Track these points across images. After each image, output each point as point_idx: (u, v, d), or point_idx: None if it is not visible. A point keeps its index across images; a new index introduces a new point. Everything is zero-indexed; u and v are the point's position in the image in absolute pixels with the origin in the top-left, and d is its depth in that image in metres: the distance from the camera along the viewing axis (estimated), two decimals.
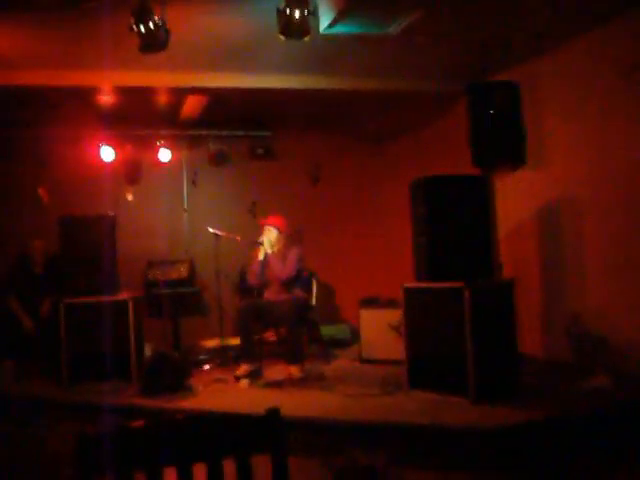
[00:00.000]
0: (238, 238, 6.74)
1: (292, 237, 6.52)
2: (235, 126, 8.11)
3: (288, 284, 6.17)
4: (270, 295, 6.21)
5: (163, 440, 1.74)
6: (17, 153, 7.42)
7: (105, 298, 6.00)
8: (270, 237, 6.18)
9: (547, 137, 5.97)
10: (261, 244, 6.16)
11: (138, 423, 1.75)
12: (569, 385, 4.95)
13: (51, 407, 5.53)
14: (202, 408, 4.99)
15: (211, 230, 6.73)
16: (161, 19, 4.31)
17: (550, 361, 5.75)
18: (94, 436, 1.62)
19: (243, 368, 5.87)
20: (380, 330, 6.42)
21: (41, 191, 7.45)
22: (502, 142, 6.10)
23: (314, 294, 6.61)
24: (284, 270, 6.11)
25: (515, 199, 6.40)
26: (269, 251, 6.15)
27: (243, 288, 7.46)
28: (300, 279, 6.32)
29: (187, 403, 5.16)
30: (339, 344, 7.51)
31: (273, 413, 1.75)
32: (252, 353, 5.99)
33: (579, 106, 5.63)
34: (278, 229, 6.21)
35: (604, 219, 5.41)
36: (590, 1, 4.86)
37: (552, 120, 5.93)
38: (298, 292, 6.24)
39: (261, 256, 6.16)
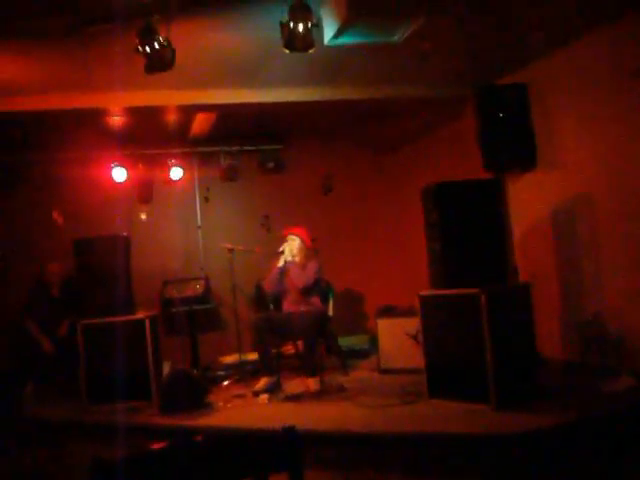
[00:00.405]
0: (257, 250, 6.79)
1: (312, 250, 6.54)
2: (245, 141, 8.14)
3: (306, 294, 6.19)
4: (288, 306, 6.23)
5: (180, 463, 1.72)
6: (30, 177, 7.47)
7: (122, 318, 6.01)
8: (292, 246, 6.26)
9: (558, 138, 5.93)
10: (282, 253, 6.20)
11: (155, 446, 1.73)
12: (590, 387, 4.89)
13: (71, 428, 5.54)
14: (222, 425, 4.98)
15: (225, 245, 6.76)
16: (166, 38, 4.34)
17: (570, 363, 5.68)
18: (108, 460, 1.61)
19: (262, 382, 5.87)
20: (398, 339, 6.38)
21: (55, 214, 7.50)
22: (512, 144, 6.10)
23: (331, 305, 6.61)
24: (303, 278, 6.13)
25: (528, 202, 6.35)
26: (289, 259, 6.19)
27: (259, 302, 7.47)
28: (318, 289, 6.33)
29: (207, 420, 5.15)
30: (357, 354, 7.48)
31: (289, 431, 1.73)
32: (270, 366, 5.99)
33: (589, 105, 5.58)
34: (301, 239, 6.27)
35: (619, 218, 5.35)
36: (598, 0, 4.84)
37: (562, 121, 5.88)
38: (316, 302, 6.24)
39: (281, 263, 6.19)
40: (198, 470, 1.71)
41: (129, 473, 1.64)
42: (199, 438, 1.82)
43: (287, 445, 1.74)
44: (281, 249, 6.24)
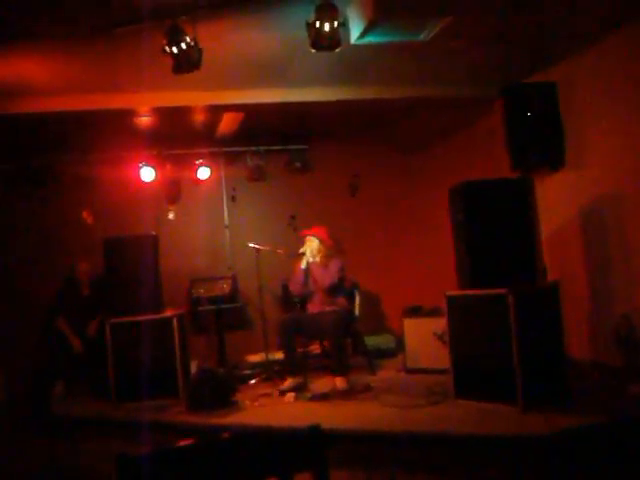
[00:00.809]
0: (280, 251, 6.81)
1: (334, 248, 6.55)
2: (272, 141, 8.15)
3: (331, 294, 6.20)
4: (314, 307, 6.25)
5: (205, 461, 1.73)
6: (60, 177, 7.56)
7: (150, 316, 6.07)
8: (312, 247, 6.28)
9: (587, 137, 5.85)
10: (303, 254, 6.23)
11: (181, 443, 1.74)
12: (619, 389, 4.82)
13: (101, 426, 5.61)
14: (248, 423, 5.01)
15: (252, 245, 6.80)
16: (193, 39, 4.37)
17: (599, 365, 5.61)
18: (134, 457, 1.62)
19: (288, 382, 5.89)
20: (425, 339, 6.35)
21: (85, 214, 7.59)
22: (541, 144, 6.03)
23: (357, 304, 6.60)
24: (326, 278, 6.16)
25: (556, 201, 6.28)
26: (311, 260, 6.21)
27: (286, 301, 7.49)
28: (343, 289, 6.34)
29: (233, 419, 5.18)
30: (384, 354, 7.47)
31: (314, 430, 1.73)
32: (296, 367, 6.02)
33: (618, 105, 5.50)
34: (319, 239, 6.29)
35: None
36: None
37: (591, 120, 5.80)
38: (342, 302, 6.25)
39: (303, 265, 6.20)
40: (223, 468, 1.71)
41: (154, 470, 1.65)
42: (224, 436, 1.82)
43: (312, 444, 1.74)
44: (302, 250, 6.26)
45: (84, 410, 6.04)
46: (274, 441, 1.84)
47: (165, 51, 4.31)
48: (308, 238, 6.34)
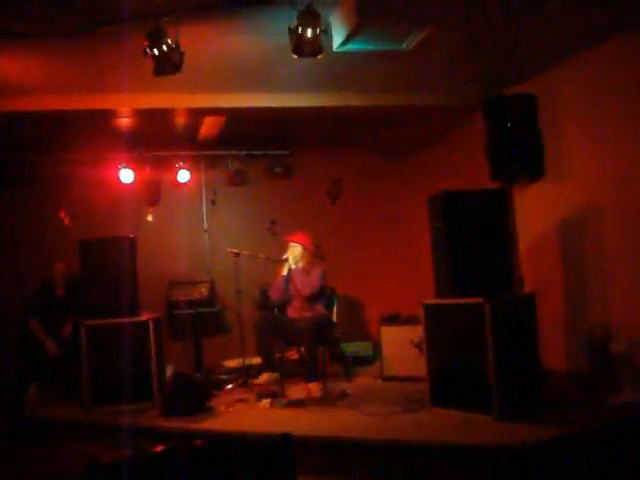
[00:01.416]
0: (261, 255, 6.81)
1: (315, 254, 6.56)
2: (253, 145, 8.14)
3: (310, 301, 6.22)
4: (292, 312, 6.27)
5: (177, 466, 1.72)
6: (38, 177, 7.51)
7: (126, 319, 6.02)
8: (295, 253, 6.31)
9: (566, 148, 5.91)
10: (286, 260, 6.25)
11: (154, 449, 1.73)
12: (593, 400, 4.85)
13: (74, 429, 5.55)
14: (223, 429, 4.98)
15: (231, 250, 6.78)
16: (175, 41, 4.35)
17: (573, 375, 5.65)
18: (104, 463, 1.60)
19: (264, 376, 5.94)
20: (402, 347, 6.37)
21: (62, 214, 7.51)
22: (520, 154, 6.08)
23: (335, 311, 6.60)
24: (307, 285, 6.18)
25: (535, 211, 6.33)
26: (293, 267, 6.23)
27: (264, 306, 7.47)
28: (323, 296, 6.36)
29: (208, 424, 5.15)
30: (361, 361, 7.47)
31: (285, 438, 1.72)
32: (272, 363, 6.06)
33: (597, 117, 5.56)
34: (302, 245, 6.32)
35: (627, 230, 5.32)
36: (606, 12, 4.82)
37: (570, 132, 5.86)
38: (320, 309, 6.26)
39: (285, 271, 6.23)
40: (195, 473, 1.71)
41: (126, 475, 1.63)
42: (197, 442, 1.82)
43: (283, 451, 1.73)
44: (285, 257, 6.28)
45: (58, 413, 5.97)
46: (247, 447, 1.83)
47: (146, 53, 4.28)
48: (291, 244, 6.35)
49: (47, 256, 7.13)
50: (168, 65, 4.35)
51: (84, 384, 5.90)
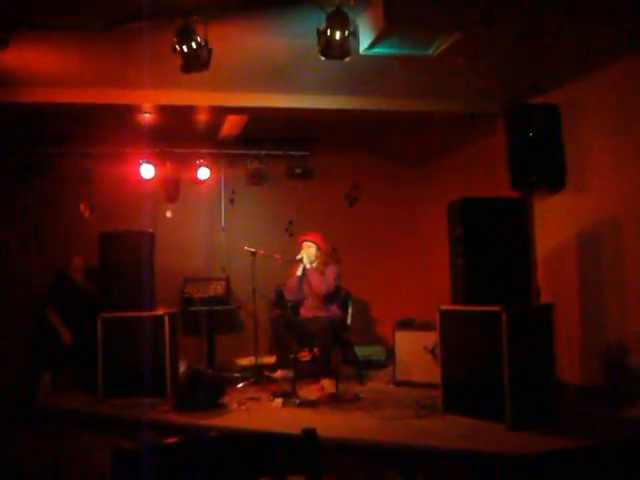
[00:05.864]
0: (277, 256, 6.83)
1: (330, 255, 6.57)
2: (273, 145, 8.18)
3: (326, 300, 6.23)
4: (306, 312, 6.30)
5: (199, 458, 1.73)
6: (59, 169, 7.57)
7: (142, 313, 6.05)
8: (309, 253, 6.36)
9: (588, 160, 5.88)
10: (301, 260, 6.26)
11: (173, 439, 1.74)
12: (608, 412, 4.83)
13: (87, 420, 5.58)
14: (235, 426, 4.98)
15: (248, 248, 6.80)
16: (204, 39, 4.39)
17: (588, 388, 5.62)
18: (130, 450, 1.62)
19: (278, 372, 6.00)
20: (415, 352, 6.35)
21: (82, 207, 7.57)
22: (541, 165, 6.06)
23: (350, 314, 6.61)
24: (322, 285, 6.20)
25: (554, 223, 6.31)
26: (308, 266, 6.25)
27: (279, 306, 7.49)
28: (338, 297, 6.37)
29: (220, 420, 5.16)
30: (373, 365, 7.47)
31: (309, 434, 1.73)
32: (287, 361, 6.08)
33: (620, 128, 5.53)
34: (317, 245, 6.35)
35: None
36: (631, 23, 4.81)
37: (592, 144, 5.83)
38: (335, 310, 6.28)
39: (299, 272, 6.25)
40: (216, 464, 1.71)
41: (151, 464, 1.65)
42: (214, 434, 1.82)
43: (306, 447, 1.74)
44: (299, 257, 6.30)
45: (69, 403, 6.01)
46: (267, 442, 1.84)
47: (175, 49, 4.32)
48: (306, 244, 6.37)
49: (66, 248, 7.20)
50: (196, 62, 4.39)
51: (99, 375, 5.93)
